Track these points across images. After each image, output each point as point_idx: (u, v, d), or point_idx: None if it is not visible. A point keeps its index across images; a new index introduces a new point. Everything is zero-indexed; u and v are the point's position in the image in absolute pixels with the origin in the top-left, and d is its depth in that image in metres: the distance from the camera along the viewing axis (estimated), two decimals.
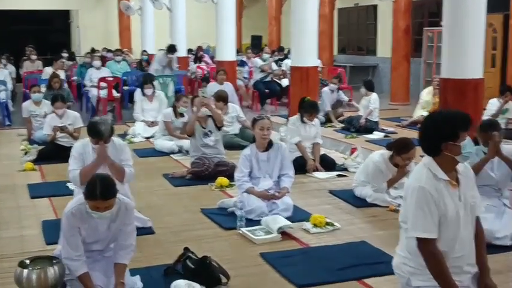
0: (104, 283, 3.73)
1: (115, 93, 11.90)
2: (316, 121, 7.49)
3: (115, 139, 5.08)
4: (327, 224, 5.14)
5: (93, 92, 12.07)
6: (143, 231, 4.98)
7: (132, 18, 21.10)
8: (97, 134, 4.83)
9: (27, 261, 3.58)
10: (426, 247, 3.04)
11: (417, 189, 3.06)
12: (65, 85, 12.03)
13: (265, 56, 13.37)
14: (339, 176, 7.05)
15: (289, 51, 14.65)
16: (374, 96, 9.95)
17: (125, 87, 12.82)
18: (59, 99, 8.13)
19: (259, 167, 5.56)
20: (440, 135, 3.06)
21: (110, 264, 3.79)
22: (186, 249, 4.25)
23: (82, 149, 5.00)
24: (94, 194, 3.51)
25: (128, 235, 3.77)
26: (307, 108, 7.32)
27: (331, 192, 6.34)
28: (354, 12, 18.30)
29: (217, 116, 7.02)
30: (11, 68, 14.77)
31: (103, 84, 11.77)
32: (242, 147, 6.26)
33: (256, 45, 20.73)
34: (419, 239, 3.05)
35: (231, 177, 6.43)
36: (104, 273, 3.77)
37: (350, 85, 14.23)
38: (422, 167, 3.13)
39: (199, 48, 17.73)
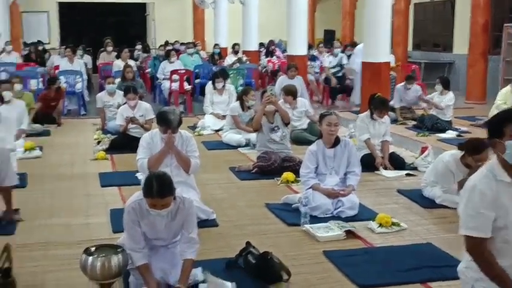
0: (166, 274, 3.77)
1: (186, 86, 12.06)
2: (386, 118, 7.32)
3: (182, 131, 5.14)
4: (393, 224, 5.02)
5: (165, 85, 12.29)
6: (207, 223, 5.02)
7: (206, 11, 21.34)
8: (166, 122, 4.91)
9: (93, 249, 3.65)
10: (475, 247, 2.93)
11: (470, 188, 2.95)
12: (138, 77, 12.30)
13: (337, 51, 13.19)
14: (408, 175, 6.88)
15: None
16: (450, 95, 9.64)
17: (197, 80, 12.99)
18: (131, 91, 8.30)
19: (326, 163, 5.49)
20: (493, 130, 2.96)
21: (174, 255, 3.82)
22: (248, 243, 4.24)
23: (150, 139, 5.11)
24: (150, 191, 3.54)
25: (191, 228, 3.78)
26: (378, 105, 7.17)
27: (399, 191, 6.19)
28: (431, 7, 17.79)
29: (283, 112, 6.97)
30: (87, 59, 15.21)
31: (174, 76, 11.94)
32: (310, 143, 6.16)
33: (329, 40, 20.51)
34: (467, 238, 2.94)
35: (297, 173, 6.39)
36: (168, 263, 3.80)
37: (424, 82, 13.86)
38: (484, 168, 3.01)
39: (271, 42, 17.70)
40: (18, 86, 9.03)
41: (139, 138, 8.00)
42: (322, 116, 5.54)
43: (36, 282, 3.96)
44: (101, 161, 7.53)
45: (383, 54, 9.83)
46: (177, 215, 3.74)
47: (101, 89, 12.88)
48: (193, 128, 9.63)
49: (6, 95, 7.68)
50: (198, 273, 3.92)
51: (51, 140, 8.87)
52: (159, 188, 3.53)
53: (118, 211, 5.36)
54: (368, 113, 7.27)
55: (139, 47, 17.90)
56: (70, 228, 5.05)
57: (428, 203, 5.70)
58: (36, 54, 15.89)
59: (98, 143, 8.40)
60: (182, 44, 18.03)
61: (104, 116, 9.49)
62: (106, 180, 6.57)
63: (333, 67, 13.02)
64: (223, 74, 10.47)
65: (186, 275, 3.71)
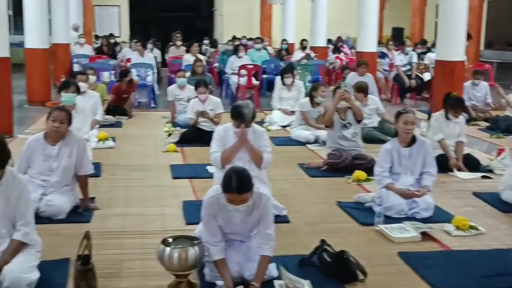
0: (242, 268, 3.76)
1: (254, 81, 12.07)
2: (461, 118, 7.12)
3: (255, 125, 5.13)
4: (471, 227, 4.86)
5: (233, 79, 12.35)
6: (278, 219, 4.97)
7: (274, 7, 21.33)
8: (240, 116, 4.90)
9: (170, 240, 3.68)
10: None
11: None
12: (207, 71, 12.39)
13: (408, 49, 12.93)
14: (483, 177, 6.66)
15: (432, 45, 14.11)
16: None
17: (264, 76, 12.99)
18: (202, 85, 8.35)
19: (401, 162, 5.37)
20: None
21: (250, 250, 3.81)
22: (323, 241, 4.19)
23: (224, 133, 5.10)
24: (229, 187, 3.54)
25: (268, 224, 3.77)
26: (453, 104, 6.97)
27: (475, 194, 6.00)
28: (506, 4, 17.23)
29: (357, 109, 6.86)
30: (157, 53, 15.44)
31: (242, 71, 11.98)
32: (381, 141, 6.10)
33: (397, 37, 20.17)
34: None
35: (368, 171, 6.28)
36: (243, 258, 3.80)
37: (497, 83, 13.42)
38: None
39: (339, 38, 17.55)
40: (92, 78, 9.23)
41: (209, 131, 8.17)
42: (399, 114, 5.41)
43: (112, 269, 4.02)
44: (172, 153, 7.62)
45: (458, 53, 9.55)
46: (253, 211, 3.73)
47: (170, 82, 13.07)
48: (260, 123, 9.59)
49: (82, 86, 7.86)
50: (272, 269, 3.89)
51: (123, 132, 9.04)
52: (238, 184, 3.53)
53: (190, 203, 5.44)
54: (442, 112, 7.07)
55: (206, 41, 18.07)
56: (145, 218, 5.11)
57: (507, 208, 5.49)
58: (107, 47, 16.24)
59: (169, 135, 8.51)
60: (249, 39, 18.08)
61: (174, 109, 9.61)
62: (178, 172, 6.64)
63: (404, 65, 12.78)
64: (292, 69, 10.42)
65: (262, 272, 3.70)
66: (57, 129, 4.96)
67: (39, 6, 11.41)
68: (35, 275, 3.62)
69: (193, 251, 3.58)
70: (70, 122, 5.04)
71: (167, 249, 3.59)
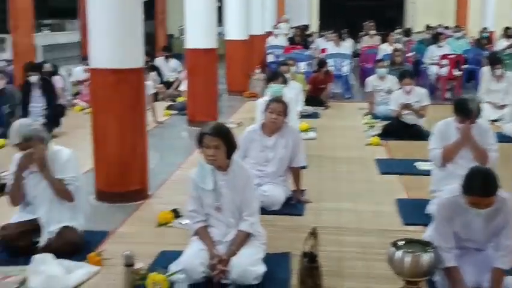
0: (476, 279, 3.42)
1: (455, 72, 11.38)
2: None
3: (480, 121, 4.70)
4: None
5: (432, 70, 11.75)
6: None
7: None
8: (465, 112, 4.53)
9: (401, 243, 3.44)
10: None
11: None
12: None
13: None
14: None
15: None
16: None
17: (464, 66, 12.21)
18: (407, 76, 7.98)
19: None
20: None
21: (488, 260, 3.45)
22: None
23: (445, 128, 4.75)
24: (473, 189, 3.19)
25: (509, 233, 3.37)
26: None
27: None
28: None
29: None
30: (350, 43, 15.21)
31: (444, 61, 11.33)
32: None
33: None
34: None
35: None
36: (476, 268, 3.45)
37: None
38: None
39: None
40: (293, 68, 9.27)
41: (413, 125, 7.81)
42: None
43: (332, 268, 3.87)
44: (375, 147, 7.35)
45: None
46: (496, 216, 3.35)
47: (363, 72, 12.81)
48: None
49: (287, 76, 7.88)
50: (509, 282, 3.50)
51: (321, 123, 8.94)
52: (483, 186, 3.18)
53: (404, 201, 5.16)
54: None
55: (399, 30, 17.49)
56: (358, 214, 4.93)
57: None
58: (300, 37, 16.33)
59: (370, 127, 8.26)
60: (445, 27, 17.19)
61: (373, 100, 9.32)
62: (384, 167, 6.36)
63: None
64: (499, 57, 9.63)
65: (497, 285, 3.33)
66: (275, 120, 4.94)
67: None
68: (262, 268, 3.58)
69: (427, 258, 3.31)
70: (286, 114, 5.00)
71: (399, 252, 3.35)
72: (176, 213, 4.78)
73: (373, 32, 14.89)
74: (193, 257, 3.55)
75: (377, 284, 3.67)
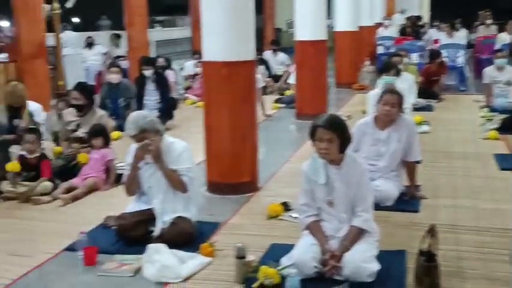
0: None
1: None
2: None
3: None
4: None
5: None
6: None
7: None
8: None
9: None
10: None
11: None
12: None
13: None
14: None
15: None
16: None
17: None
18: None
19: None
20: None
21: None
22: None
23: None
24: None
25: None
26: None
27: None
28: None
29: None
30: (463, 33, 14.58)
31: None
32: None
33: None
34: None
35: None
36: None
37: None
38: None
39: None
40: (405, 59, 9.00)
41: None
42: None
43: (449, 267, 3.67)
44: (493, 141, 6.98)
45: None
46: None
47: (477, 63, 12.25)
48: None
49: (401, 68, 7.65)
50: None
51: (435, 116, 8.61)
52: None
53: None
54: None
55: None
56: (477, 212, 4.67)
57: None
58: (411, 28, 15.85)
59: (487, 121, 7.85)
60: None
61: (490, 93, 8.87)
62: (504, 162, 6.00)
63: None
64: None
65: None
66: (388, 112, 4.78)
67: None
68: (376, 266, 3.45)
69: None
70: (400, 106, 4.82)
71: None
72: (286, 207, 4.74)
73: (489, 21, 14.18)
74: (305, 252, 3.48)
75: (500, 287, 3.44)
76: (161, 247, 3.79)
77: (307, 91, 8.58)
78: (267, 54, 12.71)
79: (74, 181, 5.53)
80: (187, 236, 4.07)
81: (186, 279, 3.59)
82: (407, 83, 7.95)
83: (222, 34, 5.11)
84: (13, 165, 5.40)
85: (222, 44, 5.13)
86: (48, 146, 6.20)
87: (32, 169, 5.50)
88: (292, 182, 5.25)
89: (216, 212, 4.79)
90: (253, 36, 5.31)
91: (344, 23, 11.71)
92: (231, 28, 5.10)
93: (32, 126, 5.89)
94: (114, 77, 8.30)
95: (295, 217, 4.31)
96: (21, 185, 5.33)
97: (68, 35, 12.65)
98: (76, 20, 17.16)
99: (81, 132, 6.02)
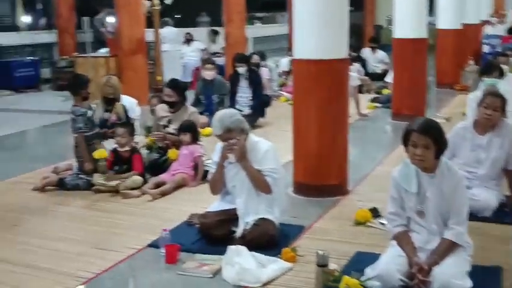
0: None
1: None
2: None
3: None
4: None
5: None
6: None
7: None
8: None
9: None
10: None
11: None
12: None
13: None
14: None
15: None
16: None
17: None
18: None
19: None
20: None
21: None
22: None
23: None
24: None
25: None
26: None
27: None
28: None
29: None
30: None
31: None
32: None
33: None
34: None
35: None
36: None
37: None
38: None
39: None
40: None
41: None
42: None
43: None
44: None
45: None
46: None
47: None
48: None
49: (505, 68, 7.19)
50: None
51: None
52: None
53: None
54: None
55: None
56: None
57: None
58: None
59: None
60: None
61: None
62: None
63: None
64: None
65: None
66: (490, 117, 4.46)
67: None
68: (468, 283, 3.19)
69: None
70: (503, 110, 4.48)
71: None
72: (375, 213, 4.53)
73: None
74: (390, 263, 3.28)
75: None
76: (242, 249, 3.71)
77: (405, 91, 8.25)
78: (366, 52, 12.40)
79: (163, 176, 5.57)
80: (270, 238, 3.97)
81: (265, 284, 3.49)
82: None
83: (313, 31, 4.96)
84: (100, 152, 5.52)
85: (313, 41, 4.98)
86: (142, 141, 6.31)
87: (124, 162, 5.59)
88: (384, 186, 4.95)
89: (301, 215, 4.65)
90: (346, 34, 5.12)
91: (447, 21, 11.24)
92: (323, 25, 4.94)
93: (124, 121, 6.00)
94: (208, 74, 8.35)
95: (385, 225, 4.10)
96: (112, 178, 5.42)
97: (167, 31, 12.90)
98: (176, 16, 17.54)
99: (172, 128, 6.06)
